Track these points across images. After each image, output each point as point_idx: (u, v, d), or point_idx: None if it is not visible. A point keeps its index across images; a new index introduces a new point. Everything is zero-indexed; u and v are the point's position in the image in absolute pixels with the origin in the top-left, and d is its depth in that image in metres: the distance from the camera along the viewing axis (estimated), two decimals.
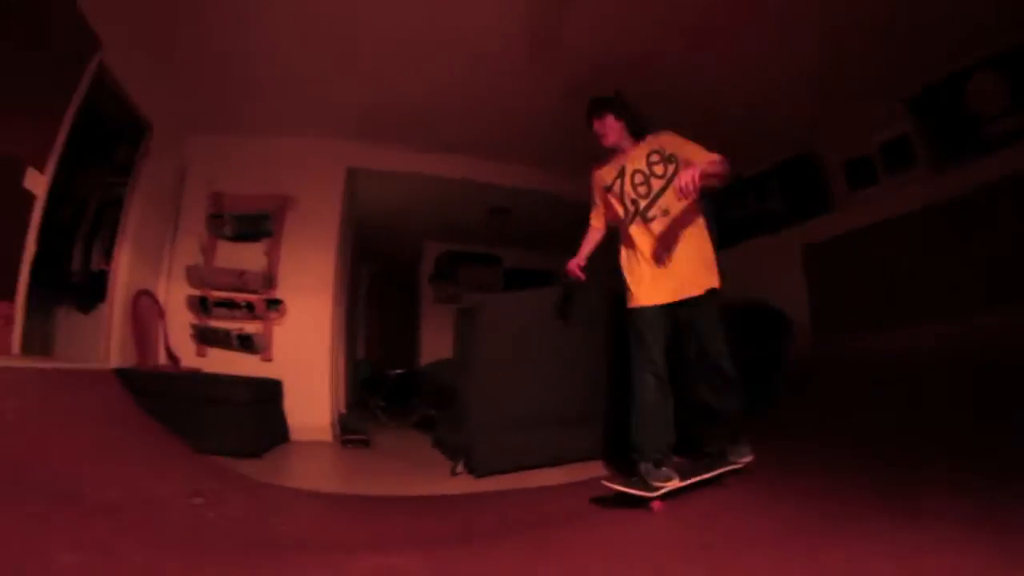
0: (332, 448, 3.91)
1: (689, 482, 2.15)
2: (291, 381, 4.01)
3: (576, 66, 3.52)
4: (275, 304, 4.21)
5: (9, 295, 2.47)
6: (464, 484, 2.73)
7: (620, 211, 2.51)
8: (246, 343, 4.10)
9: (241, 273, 4.18)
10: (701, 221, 2.45)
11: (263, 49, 3.42)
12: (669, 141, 2.48)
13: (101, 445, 2.10)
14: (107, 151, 3.81)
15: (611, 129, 2.54)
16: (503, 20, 3.13)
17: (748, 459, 2.35)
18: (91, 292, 3.66)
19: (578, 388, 3.03)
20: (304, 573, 1.38)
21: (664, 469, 2.14)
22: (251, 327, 4.16)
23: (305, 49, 3.43)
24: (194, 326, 4.13)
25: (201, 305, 4.12)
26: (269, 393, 3.77)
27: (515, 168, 5.06)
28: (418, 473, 3.08)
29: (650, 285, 2.38)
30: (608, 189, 2.55)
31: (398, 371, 5.91)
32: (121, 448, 2.22)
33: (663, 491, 2.06)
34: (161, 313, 3.99)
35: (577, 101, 2.71)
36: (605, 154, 2.59)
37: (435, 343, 6.86)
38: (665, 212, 2.39)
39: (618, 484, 2.07)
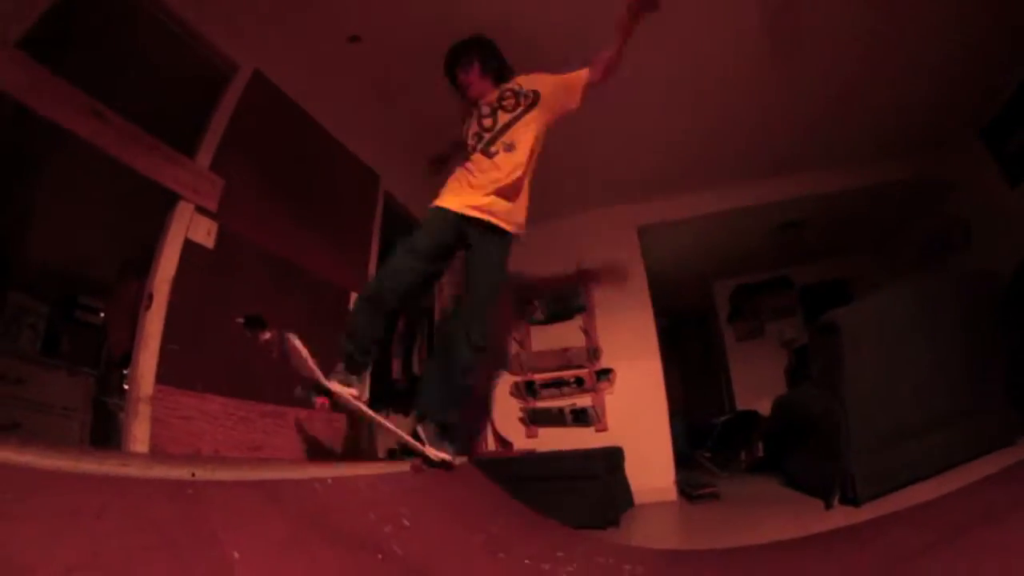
0: (681, 506, 3.76)
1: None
2: (630, 446, 3.97)
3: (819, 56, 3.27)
4: (605, 374, 4.29)
5: None
6: (843, 516, 2.36)
7: (469, 146, 2.42)
8: (580, 417, 4.21)
9: (564, 351, 4.37)
10: (532, 165, 2.40)
11: None
12: (527, 79, 2.46)
13: (494, 535, 2.12)
14: None
15: (476, 80, 2.49)
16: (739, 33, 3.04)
17: (445, 457, 2.12)
18: (412, 396, 4.20)
19: (962, 378, 2.64)
20: None
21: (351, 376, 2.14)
22: (583, 400, 4.27)
23: (575, 130, 3.65)
24: (523, 409, 4.38)
25: (528, 389, 4.38)
26: (617, 461, 3.77)
27: (795, 179, 4.64)
28: (783, 515, 2.78)
29: (459, 194, 2.32)
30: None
31: (723, 418, 5.58)
32: (511, 536, 2.21)
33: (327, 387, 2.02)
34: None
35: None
36: None
37: (748, 383, 6.43)
38: (510, 147, 2.31)
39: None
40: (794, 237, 5.60)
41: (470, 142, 2.41)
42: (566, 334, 4.48)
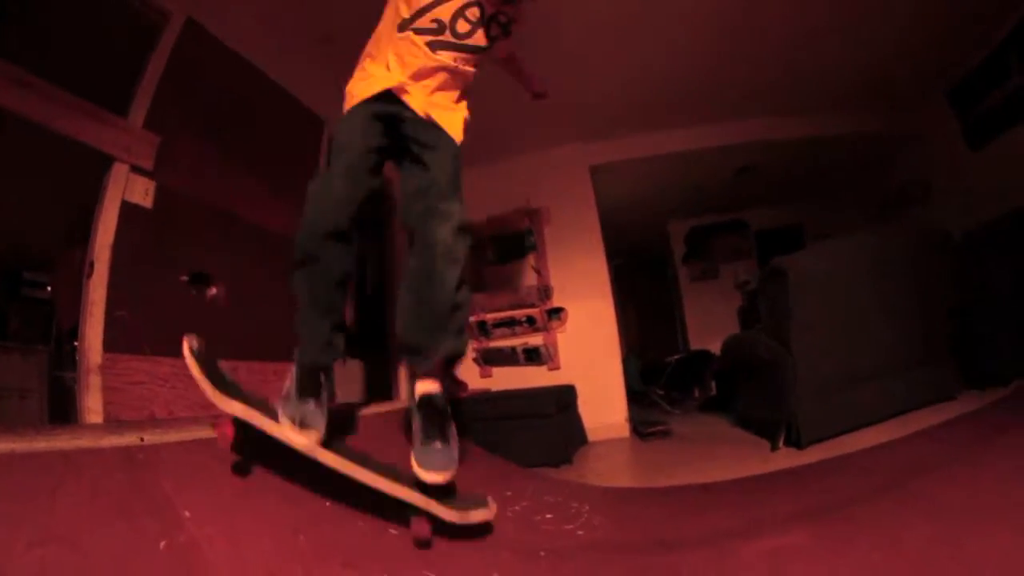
0: (633, 443, 3.92)
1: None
2: (582, 384, 4.10)
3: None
4: (556, 313, 4.39)
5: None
6: (788, 458, 2.52)
7: (409, 12, 1.67)
8: (532, 356, 4.35)
9: (515, 291, 4.46)
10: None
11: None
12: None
13: None
14: None
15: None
16: None
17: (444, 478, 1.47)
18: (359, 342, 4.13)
19: (907, 331, 2.76)
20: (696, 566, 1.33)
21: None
22: (535, 340, 4.39)
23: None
24: (477, 350, 4.48)
25: (480, 329, 4.47)
26: (569, 400, 3.88)
27: (754, 123, 4.68)
28: (730, 455, 2.91)
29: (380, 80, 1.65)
30: None
31: (676, 357, 5.79)
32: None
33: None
34: None
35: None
36: None
37: (701, 322, 6.65)
38: (466, 61, 1.74)
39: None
40: (751, 180, 5.68)
41: (420, 20, 1.68)
42: (518, 274, 4.55)
